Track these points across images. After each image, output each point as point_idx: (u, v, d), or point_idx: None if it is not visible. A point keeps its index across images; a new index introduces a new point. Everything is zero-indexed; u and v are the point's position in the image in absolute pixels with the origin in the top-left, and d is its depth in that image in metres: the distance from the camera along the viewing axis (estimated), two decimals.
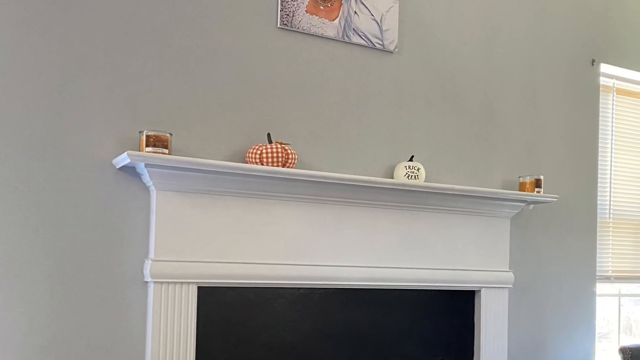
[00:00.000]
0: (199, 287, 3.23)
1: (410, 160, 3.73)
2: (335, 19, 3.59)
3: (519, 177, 4.10)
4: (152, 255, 3.11)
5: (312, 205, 3.45)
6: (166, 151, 3.01)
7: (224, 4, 3.34)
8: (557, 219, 4.45)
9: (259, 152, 3.24)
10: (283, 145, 3.27)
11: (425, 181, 3.84)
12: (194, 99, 3.26)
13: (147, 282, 3.14)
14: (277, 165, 3.24)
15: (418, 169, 3.67)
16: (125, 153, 2.85)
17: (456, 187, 3.66)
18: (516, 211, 4.05)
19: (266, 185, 3.29)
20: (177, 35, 3.23)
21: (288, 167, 3.28)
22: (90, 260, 3.04)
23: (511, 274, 4.09)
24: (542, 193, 4.03)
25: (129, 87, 3.12)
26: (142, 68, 3.15)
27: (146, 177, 3.07)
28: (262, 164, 3.22)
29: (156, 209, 3.11)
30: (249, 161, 3.25)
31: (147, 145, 2.99)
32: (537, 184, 4.02)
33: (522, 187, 4.07)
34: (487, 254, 4.00)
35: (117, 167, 3.06)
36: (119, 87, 3.10)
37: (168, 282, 3.12)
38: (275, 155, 3.23)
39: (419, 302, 3.89)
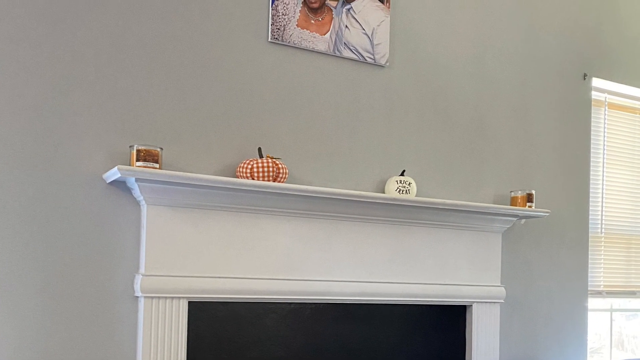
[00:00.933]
0: (189, 302, 3.26)
1: (402, 174, 3.79)
2: (326, 33, 3.65)
3: (511, 191, 4.16)
4: (142, 270, 3.15)
5: (303, 219, 3.50)
6: (157, 165, 3.05)
7: (214, 18, 3.39)
8: (549, 234, 4.50)
9: (249, 166, 3.28)
10: (274, 160, 3.31)
11: (416, 195, 3.89)
12: (185, 113, 3.31)
13: (137, 297, 3.17)
14: (268, 180, 3.28)
15: (409, 184, 3.72)
16: (116, 167, 2.89)
17: (447, 201, 3.71)
18: (508, 226, 4.11)
19: (257, 200, 3.34)
20: (168, 50, 3.27)
21: (279, 181, 3.33)
22: (81, 275, 3.08)
23: (502, 288, 4.14)
24: (533, 208, 4.09)
25: (120, 101, 3.16)
26: (132, 82, 3.19)
27: (137, 192, 3.10)
28: (253, 179, 3.27)
29: (147, 223, 3.15)
30: (240, 176, 3.30)
31: (137, 160, 3.03)
32: (529, 198, 4.07)
33: (513, 201, 4.12)
34: (478, 269, 4.05)
35: (108, 181, 3.10)
36: (109, 102, 3.14)
37: (159, 297, 3.16)
38: (266, 169, 3.27)
39: (410, 317, 3.93)
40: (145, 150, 3.04)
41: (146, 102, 3.22)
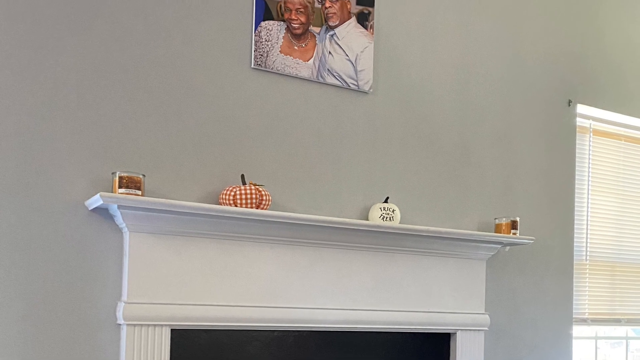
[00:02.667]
0: (172, 330, 3.33)
1: (385, 201, 3.88)
2: (309, 59, 3.75)
3: (495, 218, 4.26)
4: (125, 297, 3.22)
5: (287, 247, 3.58)
6: (139, 192, 3.13)
7: (197, 44, 3.48)
8: (534, 261, 4.60)
9: (232, 193, 3.36)
10: (257, 187, 3.39)
11: (400, 223, 3.98)
12: (167, 140, 3.39)
13: (119, 324, 3.24)
14: (251, 207, 3.36)
15: (393, 211, 3.81)
16: (98, 194, 2.97)
17: (431, 228, 3.81)
18: (492, 253, 4.20)
19: (240, 227, 3.41)
20: (150, 76, 3.36)
21: (262, 208, 3.41)
22: (63, 303, 3.14)
23: (487, 316, 4.23)
24: (518, 235, 4.18)
25: (102, 128, 3.24)
26: (114, 109, 3.27)
27: (119, 219, 3.18)
28: (236, 206, 3.35)
29: (129, 250, 3.22)
30: (223, 202, 3.38)
31: (120, 187, 3.10)
32: (513, 225, 4.17)
33: (498, 228, 4.21)
34: (462, 296, 4.13)
35: (90, 208, 3.17)
36: (92, 128, 3.22)
37: (141, 325, 3.22)
38: (249, 196, 3.35)
39: (394, 344, 4.01)
40: (127, 177, 3.12)
41: (128, 128, 3.30)
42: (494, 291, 4.41)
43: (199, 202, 3.44)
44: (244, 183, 3.46)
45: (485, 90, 4.42)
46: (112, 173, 3.14)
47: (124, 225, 3.19)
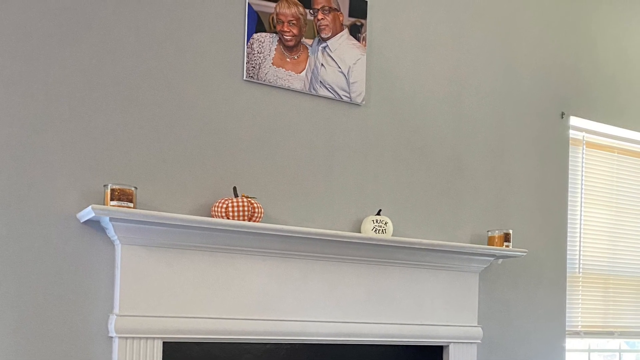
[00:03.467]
0: (164, 343, 3.35)
1: (378, 214, 3.92)
2: (302, 72, 3.79)
3: (488, 231, 4.31)
4: (116, 310, 3.24)
5: (279, 259, 3.61)
6: (131, 205, 3.16)
7: (189, 57, 3.52)
8: (526, 273, 4.64)
9: (224, 205, 3.39)
10: (249, 199, 3.42)
11: (393, 235, 4.01)
12: (160, 152, 3.42)
13: (111, 337, 3.27)
14: (243, 219, 3.39)
15: (385, 223, 3.84)
16: (90, 207, 3.00)
17: (424, 241, 3.84)
18: (485, 265, 4.24)
19: (232, 240, 3.44)
20: (142, 89, 3.39)
21: (254, 221, 3.44)
22: (55, 315, 3.17)
23: (480, 329, 4.27)
24: (511, 247, 4.22)
25: (94, 140, 3.27)
26: (106, 121, 3.30)
27: (111, 231, 3.21)
28: (228, 218, 3.38)
29: (121, 263, 3.25)
30: (215, 215, 3.41)
31: (112, 199, 3.13)
32: (506, 238, 4.21)
33: (490, 241, 4.26)
34: (455, 309, 4.17)
35: (82, 220, 3.20)
36: (83, 141, 3.25)
37: (133, 338, 3.25)
38: (241, 209, 3.39)
39: (386, 357, 4.04)
40: (119, 189, 3.15)
41: (120, 141, 3.33)
42: (487, 303, 4.45)
43: (191, 214, 3.48)
44: (236, 195, 3.49)
45: (478, 102, 4.46)
46: (104, 185, 3.17)
47: (115, 237, 3.22)
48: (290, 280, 3.65)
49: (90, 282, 3.26)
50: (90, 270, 3.25)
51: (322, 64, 3.86)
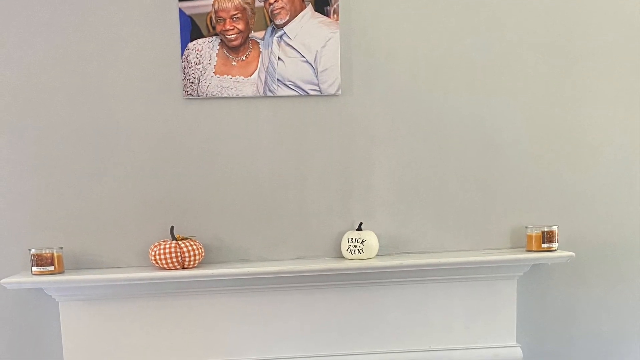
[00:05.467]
0: None
1: (359, 228, 3.38)
2: (252, 73, 3.31)
3: (526, 227, 3.51)
4: None
5: (236, 293, 3.38)
6: (51, 268, 3.21)
7: (121, 82, 3.31)
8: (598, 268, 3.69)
9: (153, 253, 3.25)
10: (178, 243, 3.21)
11: (387, 245, 3.47)
12: (94, 198, 3.35)
13: None
14: (174, 268, 3.22)
15: (363, 242, 3.31)
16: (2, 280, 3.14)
17: (405, 262, 3.29)
18: (525, 270, 3.49)
19: (175, 284, 3.30)
20: (66, 133, 3.32)
21: (188, 265, 3.24)
22: None
23: (519, 349, 3.52)
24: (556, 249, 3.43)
25: (16, 202, 3.33)
26: (29, 175, 3.33)
27: (48, 291, 3.30)
28: (160, 266, 3.23)
29: (62, 320, 3.35)
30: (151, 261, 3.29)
31: (34, 265, 3.22)
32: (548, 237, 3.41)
33: (529, 241, 3.46)
34: (481, 326, 3.50)
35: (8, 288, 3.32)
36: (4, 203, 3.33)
37: None
38: (168, 256, 3.20)
39: None
40: (37, 254, 3.22)
41: (45, 195, 3.33)
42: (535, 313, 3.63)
43: (137, 257, 3.39)
44: (173, 237, 3.29)
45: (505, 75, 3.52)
46: (29, 249, 3.24)
47: (56, 295, 3.30)
48: (252, 314, 3.41)
49: (38, 341, 3.41)
50: (36, 328, 3.40)
51: (278, 58, 3.31)
